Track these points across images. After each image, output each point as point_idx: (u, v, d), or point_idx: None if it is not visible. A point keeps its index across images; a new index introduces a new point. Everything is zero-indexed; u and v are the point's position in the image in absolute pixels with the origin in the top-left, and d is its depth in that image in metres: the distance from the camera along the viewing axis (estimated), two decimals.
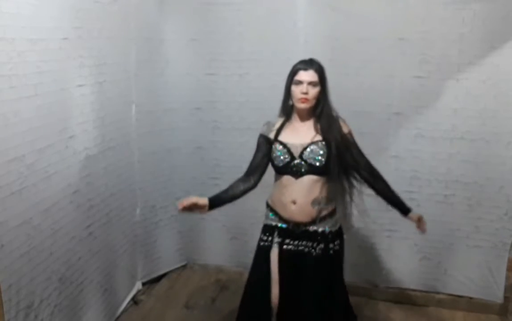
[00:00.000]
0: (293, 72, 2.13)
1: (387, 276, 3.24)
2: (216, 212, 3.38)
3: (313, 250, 2.15)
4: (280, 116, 2.24)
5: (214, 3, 3.13)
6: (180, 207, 2.09)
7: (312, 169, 2.09)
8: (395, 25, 2.89)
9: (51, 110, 2.16)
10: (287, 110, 2.21)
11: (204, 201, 2.13)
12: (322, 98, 2.13)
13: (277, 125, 2.21)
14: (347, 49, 2.98)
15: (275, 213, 2.20)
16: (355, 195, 2.25)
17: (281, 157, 2.12)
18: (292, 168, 2.10)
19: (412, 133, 2.98)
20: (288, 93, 2.17)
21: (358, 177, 2.19)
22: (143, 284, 3.30)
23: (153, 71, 3.12)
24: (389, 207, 3.11)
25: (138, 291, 3.23)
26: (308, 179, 2.09)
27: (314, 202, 2.11)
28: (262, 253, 2.22)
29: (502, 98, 2.83)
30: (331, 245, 2.17)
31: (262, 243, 2.24)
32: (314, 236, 2.15)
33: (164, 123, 3.22)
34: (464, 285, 3.11)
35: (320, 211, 2.13)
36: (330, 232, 2.18)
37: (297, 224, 2.15)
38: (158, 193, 3.30)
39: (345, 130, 2.17)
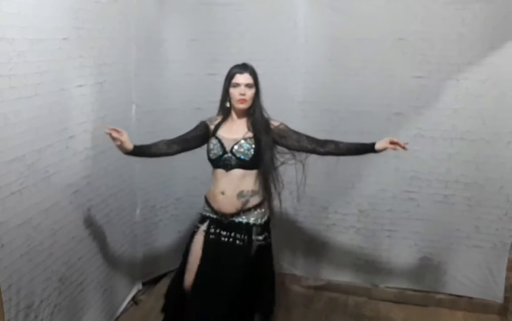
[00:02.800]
0: (230, 75, 2.31)
1: (387, 276, 3.24)
2: None
3: (236, 241, 2.27)
4: (218, 115, 2.42)
5: (214, 3, 3.13)
6: (109, 131, 2.15)
7: (240, 163, 2.25)
8: (395, 25, 2.89)
9: (51, 110, 2.16)
10: (225, 110, 2.38)
11: (129, 145, 2.19)
12: (256, 98, 2.33)
13: (217, 121, 2.40)
14: (347, 49, 2.99)
15: (208, 205, 2.37)
16: (282, 187, 2.40)
17: (215, 151, 2.30)
18: (223, 161, 2.27)
19: (412, 133, 2.98)
20: (226, 95, 2.35)
21: (318, 151, 2.32)
22: (143, 284, 3.30)
23: (153, 71, 3.12)
24: (390, 207, 3.14)
25: (138, 291, 3.23)
26: (237, 172, 2.26)
27: (240, 194, 2.27)
28: (190, 240, 2.41)
29: (502, 98, 2.83)
30: (254, 237, 2.29)
31: (193, 230, 2.42)
32: (239, 227, 2.28)
33: (164, 123, 3.22)
34: (464, 285, 3.12)
35: (245, 203, 2.28)
36: (254, 224, 2.30)
37: (225, 215, 2.30)
38: (158, 193, 3.31)
39: (275, 124, 2.34)
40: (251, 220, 2.30)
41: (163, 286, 3.36)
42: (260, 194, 2.32)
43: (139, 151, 2.26)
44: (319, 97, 3.07)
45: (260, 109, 2.34)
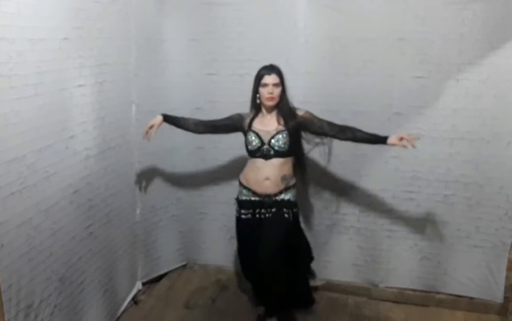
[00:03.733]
0: (259, 76, 2.64)
1: (387, 276, 3.24)
2: (216, 212, 3.45)
3: (284, 214, 2.69)
4: (250, 111, 2.74)
5: (214, 3, 3.13)
6: (146, 136, 2.76)
7: (279, 153, 2.62)
8: (395, 25, 2.89)
9: (51, 110, 2.16)
10: (256, 106, 2.70)
11: (159, 118, 2.77)
12: (283, 95, 2.65)
13: (250, 116, 2.72)
14: (347, 49, 2.99)
15: (248, 189, 2.72)
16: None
17: (254, 143, 2.64)
18: (262, 152, 2.63)
19: (412, 133, 2.97)
20: (255, 94, 2.67)
21: (338, 137, 2.65)
22: (143, 284, 3.30)
23: (153, 71, 3.12)
24: (389, 207, 3.14)
25: (138, 291, 3.23)
26: (277, 160, 2.63)
27: (283, 177, 2.66)
28: (246, 224, 2.75)
29: (502, 98, 2.83)
30: (294, 210, 2.73)
31: (243, 216, 2.76)
32: (283, 203, 2.69)
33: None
34: (464, 285, 3.11)
35: (287, 184, 2.68)
36: (291, 200, 2.72)
37: (269, 195, 2.68)
38: (158, 193, 3.31)
39: (300, 113, 2.67)
40: (291, 197, 2.70)
41: (163, 286, 3.37)
42: (294, 177, 2.73)
43: (170, 120, 2.79)
44: (319, 97, 3.07)
45: (287, 103, 2.66)
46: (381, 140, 2.56)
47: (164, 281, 3.43)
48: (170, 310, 3.09)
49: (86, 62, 2.42)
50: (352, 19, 2.95)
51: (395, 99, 2.99)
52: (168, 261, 3.48)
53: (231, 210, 3.42)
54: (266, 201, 2.69)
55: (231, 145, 3.21)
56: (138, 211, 3.18)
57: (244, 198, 2.76)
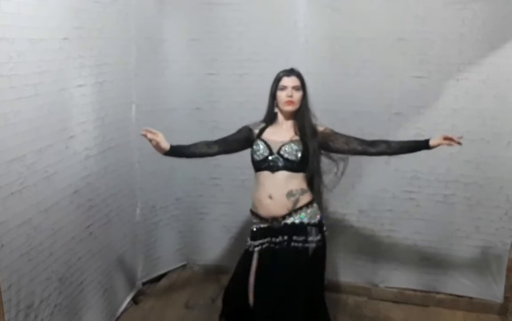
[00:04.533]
0: (278, 79, 2.33)
1: (387, 276, 3.24)
2: (216, 212, 3.44)
3: (292, 243, 2.22)
4: (264, 121, 2.39)
5: (214, 3, 3.13)
6: (144, 132, 2.19)
7: (288, 164, 2.21)
8: (395, 25, 2.89)
9: (51, 110, 2.16)
10: (271, 117, 2.35)
11: (166, 145, 2.21)
12: (303, 101, 2.31)
13: (261, 126, 2.37)
14: (347, 49, 2.98)
15: (256, 215, 2.30)
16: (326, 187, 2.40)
17: (260, 151, 2.25)
18: (269, 162, 2.22)
19: (412, 133, 2.97)
20: (273, 99, 2.34)
21: (370, 152, 2.29)
22: (143, 284, 3.30)
23: (153, 71, 3.12)
24: (390, 207, 3.14)
25: (138, 291, 3.23)
26: (283, 174, 2.21)
27: (289, 194, 2.21)
28: (246, 257, 2.34)
29: (502, 98, 2.83)
30: (310, 238, 2.24)
31: (247, 248, 2.34)
32: (293, 228, 2.22)
33: (164, 123, 3.21)
34: (464, 285, 3.12)
35: (295, 202, 2.22)
36: (309, 224, 2.24)
37: (276, 219, 2.23)
38: (158, 193, 3.31)
39: (321, 129, 2.32)
40: (305, 219, 2.23)
41: (163, 286, 3.37)
42: (309, 193, 2.28)
43: (176, 151, 2.26)
44: (319, 97, 3.03)
45: (308, 113, 2.32)
46: (422, 144, 2.23)
47: (164, 281, 3.43)
48: (170, 310, 3.09)
49: (86, 62, 2.42)
50: (352, 19, 2.95)
51: (395, 99, 2.99)
52: (168, 261, 3.48)
53: (231, 210, 3.43)
54: (274, 226, 2.24)
55: None
56: (138, 211, 3.18)
57: (254, 227, 2.32)
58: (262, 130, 2.34)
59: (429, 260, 3.15)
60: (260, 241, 2.27)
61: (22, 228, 1.99)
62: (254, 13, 3.09)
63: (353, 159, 3.07)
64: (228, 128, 3.20)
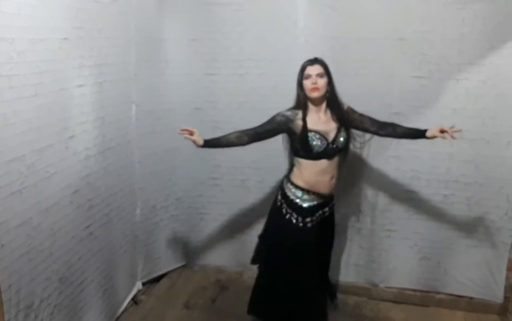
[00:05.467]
0: (302, 69, 2.50)
1: (387, 276, 3.24)
2: (216, 212, 3.45)
3: (332, 211, 2.69)
4: (294, 108, 2.53)
5: (214, 3, 3.12)
6: (181, 132, 2.44)
7: (339, 151, 2.52)
8: (395, 25, 2.89)
9: (51, 110, 2.16)
10: (301, 102, 2.51)
11: (200, 141, 2.46)
12: (330, 88, 2.50)
13: (300, 115, 2.49)
14: (347, 49, 2.98)
15: (312, 193, 2.53)
16: None
17: (319, 144, 2.46)
18: (328, 152, 2.47)
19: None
20: (300, 88, 2.51)
21: (379, 133, 2.58)
22: (143, 284, 3.30)
23: (153, 71, 3.12)
24: (390, 207, 3.14)
25: (138, 291, 3.23)
26: (336, 159, 2.53)
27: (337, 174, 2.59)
28: (298, 232, 2.55)
29: (502, 98, 2.83)
30: (334, 202, 2.71)
31: (309, 225, 2.55)
32: (331, 199, 2.66)
33: (164, 123, 3.22)
34: (464, 285, 3.11)
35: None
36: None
37: (330, 195, 2.61)
38: (158, 193, 3.31)
39: (345, 107, 2.56)
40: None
41: (163, 286, 3.37)
42: None
43: (210, 144, 2.51)
44: None
45: (337, 97, 2.53)
46: (420, 133, 2.51)
47: (164, 281, 3.43)
48: (170, 310, 3.09)
49: (86, 62, 2.42)
50: (352, 19, 2.94)
51: (395, 99, 2.98)
52: (168, 261, 3.48)
53: (231, 210, 3.43)
54: (327, 201, 2.62)
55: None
56: (138, 211, 3.18)
57: (307, 204, 2.55)
58: (304, 120, 2.48)
59: (429, 260, 3.15)
60: (316, 216, 2.57)
61: (22, 228, 1.99)
62: (254, 13, 3.09)
63: (354, 159, 3.10)
64: (228, 128, 3.21)
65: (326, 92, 2.49)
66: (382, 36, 2.92)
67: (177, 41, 3.19)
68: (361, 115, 2.57)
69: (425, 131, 2.49)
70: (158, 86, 3.17)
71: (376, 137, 2.66)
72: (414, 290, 3.20)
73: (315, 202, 2.55)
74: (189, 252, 3.57)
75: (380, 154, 3.03)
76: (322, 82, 2.45)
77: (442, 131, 2.44)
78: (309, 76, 2.46)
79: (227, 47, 3.16)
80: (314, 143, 2.46)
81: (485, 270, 3.06)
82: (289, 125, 2.49)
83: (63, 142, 2.27)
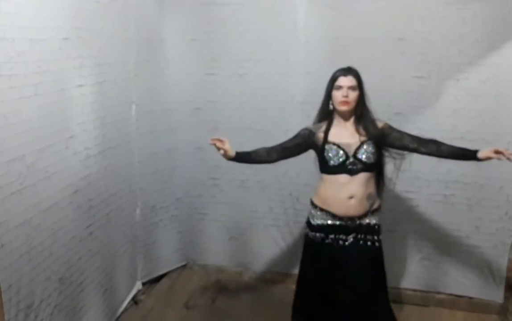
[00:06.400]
0: (334, 78, 2.32)
1: (387, 276, 3.22)
2: (216, 212, 3.45)
3: (368, 242, 2.32)
4: (317, 120, 2.41)
5: (214, 3, 3.13)
6: (212, 142, 2.30)
7: (366, 167, 2.28)
8: (395, 25, 2.89)
9: (51, 110, 2.16)
10: (326, 114, 2.37)
11: (232, 153, 2.32)
12: (361, 101, 2.33)
13: (323, 127, 2.36)
14: (347, 49, 2.98)
15: (325, 211, 2.34)
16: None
17: (337, 157, 2.28)
18: (347, 166, 2.27)
19: (412, 133, 2.97)
20: (328, 98, 2.34)
21: (420, 151, 2.33)
22: (143, 284, 3.30)
23: (153, 71, 3.12)
24: (390, 207, 3.13)
25: (138, 291, 3.23)
26: (363, 175, 2.28)
27: (369, 196, 2.31)
28: (319, 250, 2.37)
29: (502, 98, 2.83)
30: (378, 238, 2.35)
31: (318, 241, 2.36)
32: (367, 228, 2.33)
33: (164, 123, 3.22)
34: (464, 285, 3.11)
35: (372, 204, 2.33)
36: (378, 225, 2.36)
37: (352, 218, 2.30)
38: (158, 193, 3.31)
39: (380, 124, 2.35)
40: (376, 220, 2.35)
41: (163, 286, 3.37)
42: (378, 195, 2.40)
43: (241, 158, 2.36)
44: (319, 97, 3.04)
45: (368, 112, 2.35)
46: (470, 154, 2.25)
47: (164, 281, 3.43)
48: (170, 310, 3.09)
49: (86, 62, 2.42)
50: (352, 19, 2.95)
51: (395, 99, 2.98)
52: (168, 261, 3.48)
53: (231, 210, 3.43)
54: (348, 225, 2.30)
55: (231, 145, 3.20)
56: (138, 211, 3.18)
57: (317, 222, 2.36)
58: (326, 132, 2.34)
59: (429, 260, 3.15)
60: (331, 236, 2.33)
61: (22, 228, 1.98)
62: (254, 13, 3.09)
63: None
64: (228, 128, 3.24)
65: (357, 105, 2.31)
66: (382, 36, 2.92)
67: (177, 41, 3.19)
68: (399, 131, 2.36)
69: (475, 151, 2.24)
70: (158, 86, 3.17)
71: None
72: (414, 290, 3.20)
73: (328, 222, 2.34)
74: (189, 252, 3.57)
75: None
76: (353, 95, 2.29)
77: (497, 152, 2.18)
78: (340, 88, 2.29)
79: (227, 47, 3.16)
80: (330, 154, 2.29)
81: (485, 270, 3.05)
82: (313, 138, 2.36)
83: (63, 142, 2.27)
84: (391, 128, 2.36)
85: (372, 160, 2.28)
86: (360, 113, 2.33)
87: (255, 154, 2.39)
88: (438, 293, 3.17)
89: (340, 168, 2.28)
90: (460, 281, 3.12)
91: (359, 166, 2.27)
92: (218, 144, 2.28)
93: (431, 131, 2.94)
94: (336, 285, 2.33)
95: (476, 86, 2.85)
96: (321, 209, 2.35)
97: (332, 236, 2.33)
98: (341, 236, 2.32)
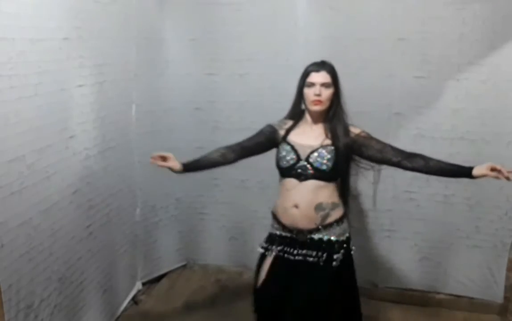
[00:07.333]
0: (305, 74, 2.10)
1: (387, 276, 3.24)
2: (216, 212, 3.45)
3: (316, 259, 2.06)
4: (287, 118, 2.21)
5: (214, 3, 3.13)
6: (153, 161, 2.08)
7: (318, 173, 2.02)
8: (395, 25, 2.89)
9: (51, 110, 2.16)
10: (297, 114, 2.17)
11: (178, 167, 2.10)
12: (335, 100, 2.11)
13: (288, 125, 2.16)
14: (347, 49, 2.98)
15: (278, 221, 2.14)
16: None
17: (287, 158, 2.07)
18: (296, 170, 2.04)
19: (412, 133, 2.98)
20: (299, 96, 2.13)
21: (404, 165, 2.07)
22: (143, 284, 3.30)
23: (153, 71, 3.12)
24: (390, 207, 3.13)
25: (138, 291, 3.23)
26: (313, 183, 2.02)
27: (319, 207, 2.04)
28: (260, 260, 2.23)
29: (502, 98, 2.83)
30: (335, 256, 2.08)
31: (261, 250, 2.23)
32: (319, 245, 2.06)
33: (164, 123, 3.22)
34: (464, 285, 3.11)
35: (325, 217, 2.05)
36: (337, 241, 2.09)
37: (301, 231, 2.06)
38: (158, 193, 3.30)
39: (356, 131, 2.12)
40: (333, 237, 2.07)
41: (163, 286, 3.37)
42: (341, 207, 2.12)
43: (190, 168, 2.15)
44: None
45: (341, 113, 2.11)
46: (464, 172, 1.99)
47: (164, 281, 3.43)
48: (170, 310, 3.09)
49: (86, 62, 2.42)
50: (352, 19, 2.95)
51: (395, 99, 2.98)
52: (168, 261, 3.48)
53: (231, 210, 3.43)
54: (298, 238, 2.07)
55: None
56: (138, 211, 3.18)
57: (272, 231, 2.18)
58: (288, 130, 2.13)
59: (429, 260, 3.15)
60: (278, 248, 2.12)
61: (22, 228, 1.98)
62: (254, 13, 3.09)
63: None
64: (228, 128, 3.24)
65: (332, 105, 2.08)
66: (382, 36, 2.92)
67: (177, 41, 3.19)
68: (381, 142, 2.08)
69: (470, 168, 1.98)
70: (158, 86, 3.17)
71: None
72: (414, 290, 3.20)
73: (281, 233, 2.12)
74: (189, 252, 3.57)
75: None
76: (327, 93, 2.05)
77: (494, 170, 1.94)
78: (312, 85, 2.06)
79: (227, 47, 3.16)
80: (281, 154, 2.07)
81: (485, 270, 3.06)
82: (275, 136, 2.14)
83: (63, 142, 2.27)
84: (370, 138, 2.09)
85: (325, 167, 2.01)
86: (332, 114, 2.09)
87: (207, 159, 2.17)
88: (438, 293, 3.18)
89: (289, 171, 2.04)
90: (460, 281, 3.12)
91: (309, 172, 2.01)
92: (159, 163, 2.07)
93: (431, 131, 2.96)
94: (281, 305, 2.09)
95: (476, 86, 2.85)
96: (274, 217, 2.15)
97: (280, 247, 2.11)
98: (290, 249, 2.08)
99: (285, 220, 2.09)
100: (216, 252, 3.54)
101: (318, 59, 3.00)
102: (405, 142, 2.98)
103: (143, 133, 3.09)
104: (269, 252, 2.17)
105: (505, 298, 3.04)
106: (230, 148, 2.18)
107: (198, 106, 3.29)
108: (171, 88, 3.23)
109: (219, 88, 3.24)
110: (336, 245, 2.08)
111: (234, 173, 3.28)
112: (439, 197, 3.05)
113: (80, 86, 2.38)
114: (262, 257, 2.21)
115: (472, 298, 3.11)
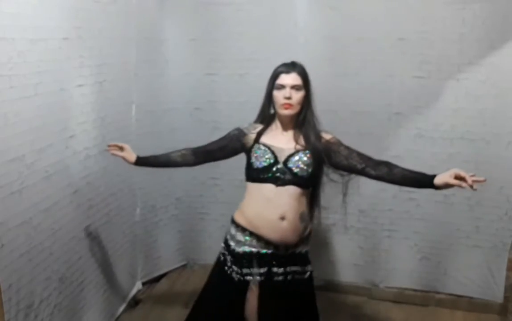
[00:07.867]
0: (275, 75, 1.98)
1: (387, 276, 3.24)
2: (216, 212, 3.45)
3: (296, 275, 1.94)
4: (257, 122, 2.10)
5: (214, 3, 3.13)
6: (108, 149, 2.16)
7: (296, 180, 1.90)
8: (395, 25, 2.89)
9: (51, 110, 2.16)
10: (267, 118, 2.04)
11: (131, 157, 2.15)
12: (306, 103, 1.98)
13: (258, 129, 2.04)
14: (347, 49, 2.98)
15: (253, 235, 1.91)
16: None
17: (265, 156, 1.92)
18: (274, 173, 1.89)
19: (412, 133, 2.98)
20: (268, 99, 2.02)
21: (369, 173, 1.96)
22: (143, 284, 3.30)
23: (153, 71, 3.12)
24: (390, 207, 3.13)
25: (138, 291, 3.23)
26: (294, 189, 1.89)
27: (302, 217, 1.92)
28: (232, 287, 1.94)
29: (502, 98, 2.83)
30: (308, 268, 2.00)
31: (236, 276, 1.94)
32: (299, 258, 1.95)
33: (164, 123, 3.22)
34: (464, 285, 3.11)
35: (305, 229, 1.95)
36: (306, 252, 2.00)
37: (286, 246, 1.89)
38: (158, 193, 3.31)
39: (327, 137, 2.02)
40: (305, 248, 1.97)
41: (163, 286, 3.37)
42: (311, 217, 2.03)
43: (145, 162, 2.17)
44: (319, 97, 3.04)
45: (312, 118, 1.98)
46: (426, 180, 1.84)
47: (164, 281, 3.43)
48: (170, 310, 3.09)
49: (86, 62, 2.42)
50: (352, 19, 2.95)
51: (395, 99, 2.99)
52: (168, 261, 3.48)
53: (231, 210, 3.40)
54: (280, 253, 1.88)
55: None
56: (138, 211, 3.18)
57: (241, 249, 1.92)
58: (260, 133, 2.01)
59: (429, 260, 3.15)
60: (260, 270, 1.89)
61: (22, 228, 1.98)
62: (254, 13, 3.09)
63: None
64: (228, 128, 3.20)
65: (302, 108, 1.96)
66: (382, 36, 2.92)
67: (177, 41, 3.19)
68: (348, 148, 1.97)
69: (432, 176, 1.83)
70: (158, 86, 3.17)
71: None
72: (414, 290, 3.20)
73: (254, 249, 1.89)
74: (189, 252, 3.57)
75: (380, 154, 3.01)
76: (297, 96, 1.92)
77: (458, 178, 1.77)
78: (281, 87, 1.93)
79: (227, 47, 3.16)
80: (255, 155, 1.92)
81: (485, 270, 3.06)
82: (243, 140, 2.01)
83: (63, 142, 2.27)
84: (339, 143, 1.99)
85: (304, 173, 1.89)
86: (303, 118, 1.96)
87: (166, 157, 2.14)
88: (438, 293, 3.18)
89: (264, 174, 1.89)
90: (460, 281, 3.12)
91: (288, 177, 1.87)
92: (115, 151, 2.12)
93: (431, 131, 2.97)
94: None
95: (476, 86, 2.85)
96: (251, 233, 1.90)
97: (263, 270, 1.89)
98: (278, 269, 1.89)
99: (270, 235, 1.88)
100: (216, 252, 3.50)
101: (318, 59, 3.04)
102: (405, 142, 3.00)
103: (143, 133, 3.09)
104: (253, 280, 1.90)
105: (505, 298, 3.04)
106: (193, 150, 2.15)
107: (198, 106, 3.29)
108: (171, 88, 3.23)
109: (219, 88, 3.24)
110: (308, 255, 2.00)
111: (234, 173, 3.29)
112: (439, 197, 3.04)
113: (80, 86, 2.38)
114: (241, 285, 1.92)
115: (472, 298, 3.11)
